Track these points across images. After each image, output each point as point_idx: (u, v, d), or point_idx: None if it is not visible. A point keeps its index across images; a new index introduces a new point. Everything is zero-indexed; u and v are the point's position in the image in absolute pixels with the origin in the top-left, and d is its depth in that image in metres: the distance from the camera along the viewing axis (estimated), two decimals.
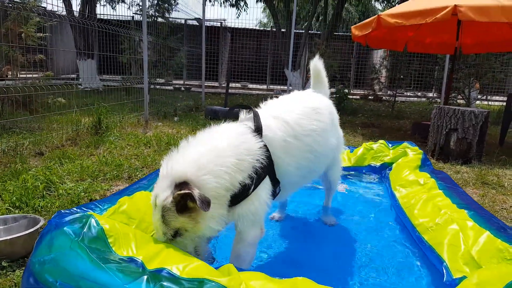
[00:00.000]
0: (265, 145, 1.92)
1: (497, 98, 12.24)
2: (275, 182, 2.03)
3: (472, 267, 1.97)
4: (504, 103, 7.82)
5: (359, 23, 7.39)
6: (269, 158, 1.93)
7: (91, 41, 12.43)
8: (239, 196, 1.85)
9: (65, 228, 1.69)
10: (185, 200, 1.69)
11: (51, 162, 4.13)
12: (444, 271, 2.06)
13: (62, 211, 1.95)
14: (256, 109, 2.15)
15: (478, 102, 11.38)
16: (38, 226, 2.34)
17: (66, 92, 6.33)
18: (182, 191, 1.66)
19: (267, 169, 1.94)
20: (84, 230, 1.72)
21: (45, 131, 5.31)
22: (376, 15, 6.51)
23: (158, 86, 11.51)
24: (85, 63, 12.29)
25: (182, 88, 15.52)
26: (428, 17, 5.57)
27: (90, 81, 10.95)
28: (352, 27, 7.68)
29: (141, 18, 7.33)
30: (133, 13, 15.90)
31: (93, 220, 1.77)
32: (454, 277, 1.97)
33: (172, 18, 15.38)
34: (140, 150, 4.99)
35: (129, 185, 2.86)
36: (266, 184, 1.97)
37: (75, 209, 2.06)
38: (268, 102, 2.34)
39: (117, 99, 7.72)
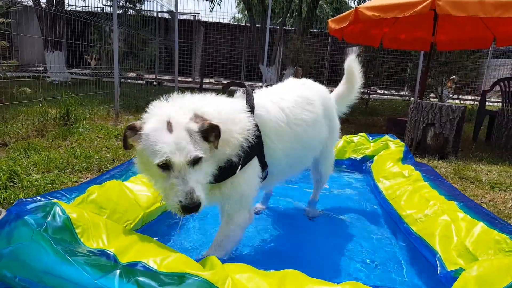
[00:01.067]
0: (256, 124, 1.84)
1: (468, 97, 12.50)
2: (263, 165, 1.94)
3: (467, 259, 1.88)
4: (476, 102, 7.94)
5: (336, 16, 7.31)
6: (258, 138, 1.84)
7: (59, 32, 11.89)
8: (225, 172, 1.77)
9: (26, 218, 1.50)
10: (210, 131, 1.63)
11: (16, 153, 3.85)
12: (438, 263, 1.96)
13: (24, 199, 1.73)
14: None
15: (449, 100, 11.58)
16: None
17: (33, 84, 5.98)
18: (213, 122, 1.62)
19: (256, 149, 1.84)
20: (48, 219, 1.53)
21: (10, 122, 4.98)
22: (353, 8, 6.45)
23: (129, 80, 11.16)
24: (53, 55, 11.76)
25: (155, 83, 15.16)
26: (407, 11, 5.53)
27: (59, 74, 10.47)
28: (329, 20, 7.61)
29: (111, 10, 7.04)
30: (103, 5, 15.40)
31: (58, 209, 1.58)
32: (448, 269, 1.87)
33: (144, 10, 15.00)
34: (111, 143, 4.75)
35: (100, 175, 2.67)
36: (254, 166, 1.89)
37: (38, 197, 1.84)
38: (263, 88, 2.32)
39: (86, 92, 7.40)
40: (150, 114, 1.70)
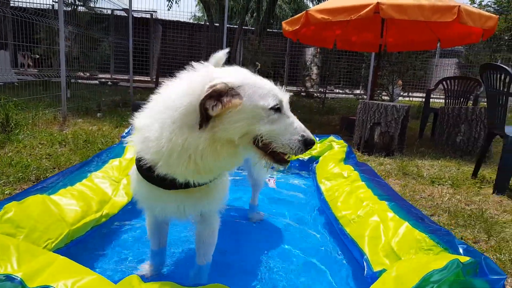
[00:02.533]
0: None
1: (417, 94, 13.01)
2: None
3: (392, 259, 1.96)
4: (424, 99, 8.30)
5: (290, 19, 7.44)
6: None
7: (3, 31, 11.37)
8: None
9: None
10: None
11: None
12: (365, 264, 2.04)
13: None
14: None
15: (400, 98, 12.01)
16: None
17: None
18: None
19: None
20: None
21: None
22: (304, 11, 6.59)
23: (80, 80, 10.78)
24: None
25: (109, 83, 14.80)
26: (353, 14, 5.72)
27: (3, 75, 10.02)
28: (283, 22, 7.72)
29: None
30: (52, 2, 14.86)
31: None
32: (374, 270, 1.95)
33: (97, 8, 14.58)
34: (54, 149, 4.51)
35: (26, 189, 2.48)
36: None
37: None
38: None
39: (33, 94, 7.06)
40: (192, 78, 1.58)
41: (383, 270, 1.88)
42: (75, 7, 11.00)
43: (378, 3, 5.46)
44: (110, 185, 2.84)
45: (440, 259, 1.57)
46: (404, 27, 7.43)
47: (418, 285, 1.47)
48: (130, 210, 2.69)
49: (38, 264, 1.52)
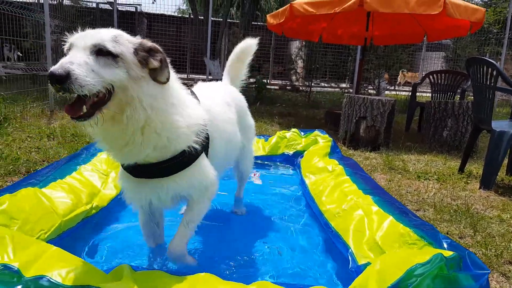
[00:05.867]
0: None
1: (404, 88, 13.08)
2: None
3: (376, 252, 1.96)
4: (410, 93, 8.32)
5: (274, 12, 7.40)
6: (207, 134, 1.86)
7: None
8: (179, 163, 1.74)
9: None
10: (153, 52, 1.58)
11: None
12: (350, 257, 2.03)
13: None
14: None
15: (387, 92, 12.06)
16: None
17: None
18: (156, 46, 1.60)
19: (206, 142, 1.85)
20: None
21: None
22: (288, 4, 6.54)
23: None
24: None
25: None
26: (337, 7, 5.68)
27: None
28: (267, 15, 7.68)
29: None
30: None
31: None
32: (359, 264, 1.94)
33: (83, 1, 14.34)
34: (42, 142, 4.53)
35: (17, 181, 2.54)
36: (204, 157, 1.87)
37: None
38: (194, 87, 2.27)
39: (21, 88, 6.98)
40: None
41: (368, 264, 1.87)
42: (61, 0, 10.82)
43: None
44: (99, 178, 2.93)
45: (424, 253, 1.55)
46: (390, 20, 7.41)
47: (401, 278, 1.46)
48: (119, 202, 2.71)
49: (32, 254, 1.58)
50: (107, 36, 1.45)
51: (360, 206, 2.35)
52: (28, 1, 10.52)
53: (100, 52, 1.40)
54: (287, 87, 13.92)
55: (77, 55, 1.36)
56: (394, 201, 2.44)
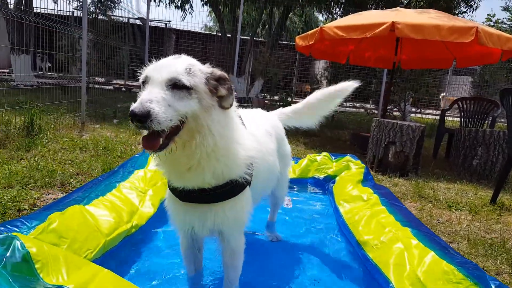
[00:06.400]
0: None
1: (430, 111, 12.95)
2: None
3: None
4: (436, 117, 8.24)
5: (303, 34, 7.47)
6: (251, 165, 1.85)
7: (26, 37, 11.55)
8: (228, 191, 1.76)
9: None
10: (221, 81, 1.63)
11: None
12: None
13: None
14: None
15: (412, 115, 11.96)
16: None
17: None
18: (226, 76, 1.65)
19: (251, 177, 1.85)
20: (7, 254, 1.51)
21: None
22: (319, 27, 6.62)
23: (97, 86, 10.95)
24: (19, 59, 11.40)
25: (123, 89, 14.94)
26: (368, 32, 5.73)
27: (24, 78, 10.15)
28: (296, 37, 7.76)
29: (81, 14, 6.95)
30: (73, 9, 15.10)
31: (18, 243, 1.56)
32: None
33: (115, 16, 14.76)
34: (75, 155, 4.64)
35: (61, 198, 2.62)
36: (248, 192, 1.88)
37: None
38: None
39: (52, 98, 7.18)
40: None
41: None
42: (96, 15, 11.17)
43: (393, 22, 5.47)
44: (137, 196, 2.95)
45: None
46: (419, 44, 7.41)
47: None
48: (156, 221, 2.78)
49: (84, 276, 1.60)
50: (181, 68, 1.49)
51: (400, 239, 2.35)
52: (57, 13, 10.92)
53: (175, 86, 1.46)
54: None
55: (154, 91, 1.42)
56: (433, 235, 2.43)
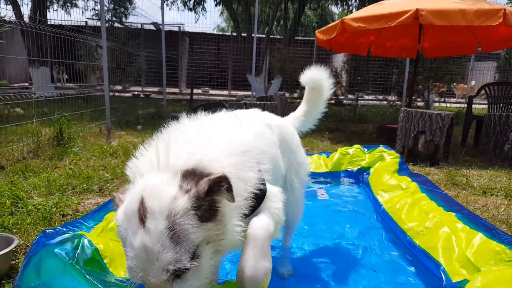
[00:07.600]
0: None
1: (454, 100, 12.79)
2: None
3: (469, 269, 1.98)
4: (461, 105, 8.15)
5: (324, 28, 7.47)
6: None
7: (44, 48, 11.85)
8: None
9: (56, 250, 1.57)
10: (215, 188, 1.16)
11: (14, 176, 3.87)
12: (443, 275, 2.06)
13: (47, 230, 1.80)
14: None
15: (436, 104, 11.83)
16: (13, 246, 2.14)
17: (21, 102, 5.96)
18: (217, 174, 1.16)
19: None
20: (78, 251, 1.60)
21: (4, 143, 4.99)
22: (340, 20, 6.62)
23: (117, 94, 11.17)
24: (39, 71, 11.71)
25: (142, 95, 15.20)
26: (391, 21, 5.71)
27: (44, 89, 10.42)
28: (316, 31, 7.76)
29: (96, 23, 7.09)
30: (87, 18, 15.43)
31: (85, 240, 1.66)
32: (453, 281, 1.98)
33: (129, 22, 15.03)
34: (107, 161, 4.80)
35: (108, 200, 2.72)
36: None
37: (60, 227, 1.91)
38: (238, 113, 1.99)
39: (75, 108, 7.38)
40: (132, 171, 1.33)
41: (464, 281, 1.89)
42: (112, 23, 11.38)
43: (417, 9, 5.44)
44: None
45: None
46: (442, 31, 7.33)
47: None
48: None
49: None
50: (168, 252, 1.07)
51: (445, 223, 2.38)
52: (70, 23, 11.16)
53: (178, 276, 1.12)
54: (330, 101, 13.94)
55: None
56: (478, 217, 2.45)
